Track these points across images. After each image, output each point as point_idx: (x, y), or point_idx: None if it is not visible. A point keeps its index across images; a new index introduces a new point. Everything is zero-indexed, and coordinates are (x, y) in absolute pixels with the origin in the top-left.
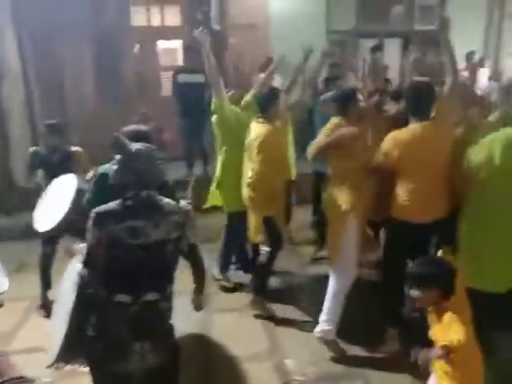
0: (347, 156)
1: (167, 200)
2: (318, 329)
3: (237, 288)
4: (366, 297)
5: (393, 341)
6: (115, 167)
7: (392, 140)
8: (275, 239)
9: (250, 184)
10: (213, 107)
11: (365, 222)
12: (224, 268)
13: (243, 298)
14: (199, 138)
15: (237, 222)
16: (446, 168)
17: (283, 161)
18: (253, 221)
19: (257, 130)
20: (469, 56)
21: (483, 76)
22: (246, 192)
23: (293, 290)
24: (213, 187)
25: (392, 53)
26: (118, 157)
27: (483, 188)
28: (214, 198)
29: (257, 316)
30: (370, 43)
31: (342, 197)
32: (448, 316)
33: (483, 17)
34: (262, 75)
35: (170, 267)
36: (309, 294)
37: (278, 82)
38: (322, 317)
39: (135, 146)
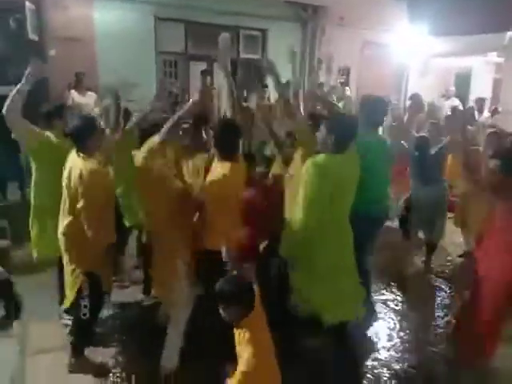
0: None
1: None
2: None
3: None
4: None
5: None
6: None
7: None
8: (96, 298)
9: (65, 233)
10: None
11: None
12: None
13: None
14: (12, 156)
15: None
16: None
17: (112, 203)
18: (68, 276)
19: (75, 164)
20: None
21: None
22: (61, 240)
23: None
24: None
25: (221, 77)
26: None
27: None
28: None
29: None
30: (200, 66)
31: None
32: (245, 338)
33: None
34: (74, 92)
35: None
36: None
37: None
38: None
39: None
